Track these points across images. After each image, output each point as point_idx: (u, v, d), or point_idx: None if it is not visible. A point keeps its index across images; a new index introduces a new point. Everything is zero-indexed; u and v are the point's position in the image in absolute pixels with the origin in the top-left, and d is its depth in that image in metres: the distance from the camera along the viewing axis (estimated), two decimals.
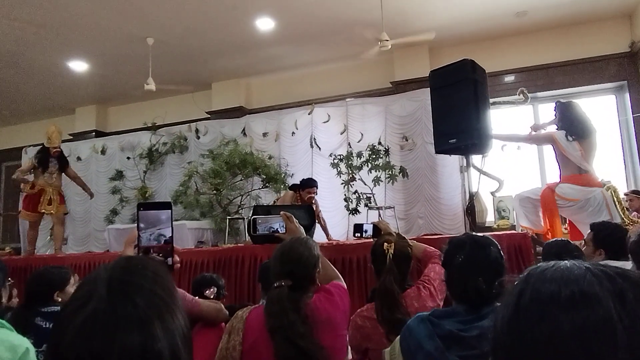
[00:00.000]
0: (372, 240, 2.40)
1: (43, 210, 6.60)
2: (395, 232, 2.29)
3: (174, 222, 1.14)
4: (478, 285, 1.42)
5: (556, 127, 4.50)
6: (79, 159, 9.44)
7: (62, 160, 6.82)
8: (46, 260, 5.71)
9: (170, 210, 1.14)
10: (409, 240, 2.22)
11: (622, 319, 0.48)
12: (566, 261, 0.57)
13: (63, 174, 6.87)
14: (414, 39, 6.76)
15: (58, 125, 7.04)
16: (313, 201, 5.95)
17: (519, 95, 4.67)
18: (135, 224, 1.11)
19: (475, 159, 4.59)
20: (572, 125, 4.33)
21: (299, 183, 6.27)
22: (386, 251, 2.03)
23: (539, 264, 0.59)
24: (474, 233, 1.70)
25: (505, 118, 7.38)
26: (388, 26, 6.31)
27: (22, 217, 6.95)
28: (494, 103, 4.81)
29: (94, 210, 9.23)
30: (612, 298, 0.50)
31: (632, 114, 6.93)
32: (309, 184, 6.03)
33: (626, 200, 5.28)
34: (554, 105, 4.60)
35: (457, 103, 3.83)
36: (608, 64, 7.15)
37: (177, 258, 1.13)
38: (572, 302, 0.51)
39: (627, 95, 7.08)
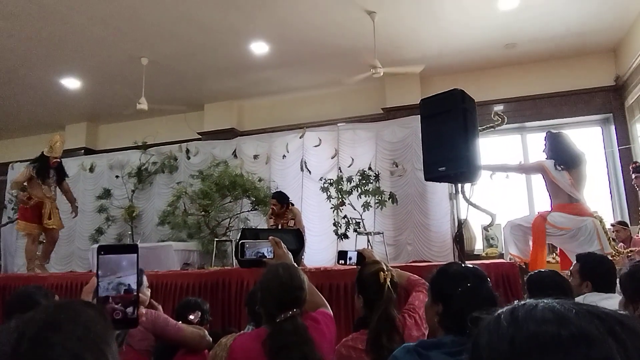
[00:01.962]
0: (356, 267, 2.36)
1: (46, 225, 6.20)
2: (381, 261, 2.27)
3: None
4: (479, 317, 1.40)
5: (545, 157, 4.55)
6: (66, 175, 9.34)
7: (60, 172, 6.45)
8: (27, 279, 5.58)
9: (135, 255, 1.02)
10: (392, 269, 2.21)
11: (621, 355, 0.49)
12: (546, 301, 0.57)
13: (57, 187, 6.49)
14: (403, 70, 6.88)
15: (63, 136, 6.74)
16: (282, 213, 5.64)
17: (494, 117, 4.72)
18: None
19: (466, 189, 4.60)
20: (561, 155, 4.38)
21: None
22: (383, 280, 2.02)
23: (516, 304, 0.59)
24: (462, 264, 1.68)
25: (494, 147, 7.49)
26: (380, 53, 6.41)
27: (20, 229, 6.36)
28: None
29: (78, 229, 9.09)
30: (609, 336, 0.51)
31: (618, 146, 7.06)
32: (272, 197, 5.89)
33: (613, 231, 5.33)
34: (545, 135, 4.66)
35: (447, 131, 3.87)
36: (594, 96, 7.31)
37: (142, 310, 1.00)
38: (574, 343, 0.51)
39: (613, 128, 7.23)
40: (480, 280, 1.55)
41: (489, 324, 0.59)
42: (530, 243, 4.51)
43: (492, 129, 4.78)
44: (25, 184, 6.16)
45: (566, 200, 4.35)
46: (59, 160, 6.36)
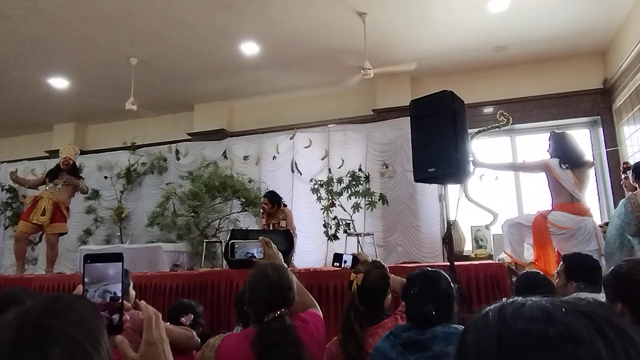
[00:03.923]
0: (351, 270, 2.36)
1: (35, 220, 5.83)
2: (374, 260, 2.25)
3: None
4: (426, 311, 1.67)
5: (550, 156, 4.58)
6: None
7: (72, 173, 6.23)
8: (13, 280, 5.50)
9: (121, 263, 1.04)
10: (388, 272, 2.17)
11: (609, 354, 0.49)
12: (535, 299, 0.57)
13: (75, 190, 6.32)
14: (396, 69, 6.91)
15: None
16: (275, 214, 5.62)
17: (499, 117, 4.75)
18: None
19: (468, 189, 4.62)
20: (566, 154, 4.41)
21: None
22: (352, 282, 2.01)
23: (503, 302, 0.59)
24: (428, 268, 1.91)
25: (483, 149, 7.52)
26: (371, 55, 6.42)
27: (17, 228, 6.21)
28: (479, 132, 4.89)
29: None
30: (597, 335, 0.51)
31: (606, 148, 7.13)
32: (263, 196, 5.86)
33: (601, 232, 5.38)
34: (549, 135, 4.69)
35: (436, 133, 3.87)
36: (582, 99, 7.38)
37: (126, 317, 1.03)
38: (562, 341, 0.51)
39: (601, 130, 7.31)
40: (430, 281, 1.78)
41: (476, 322, 0.58)
42: (525, 244, 4.53)
43: (497, 129, 4.82)
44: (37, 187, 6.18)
45: (568, 199, 4.38)
46: (69, 161, 6.21)
